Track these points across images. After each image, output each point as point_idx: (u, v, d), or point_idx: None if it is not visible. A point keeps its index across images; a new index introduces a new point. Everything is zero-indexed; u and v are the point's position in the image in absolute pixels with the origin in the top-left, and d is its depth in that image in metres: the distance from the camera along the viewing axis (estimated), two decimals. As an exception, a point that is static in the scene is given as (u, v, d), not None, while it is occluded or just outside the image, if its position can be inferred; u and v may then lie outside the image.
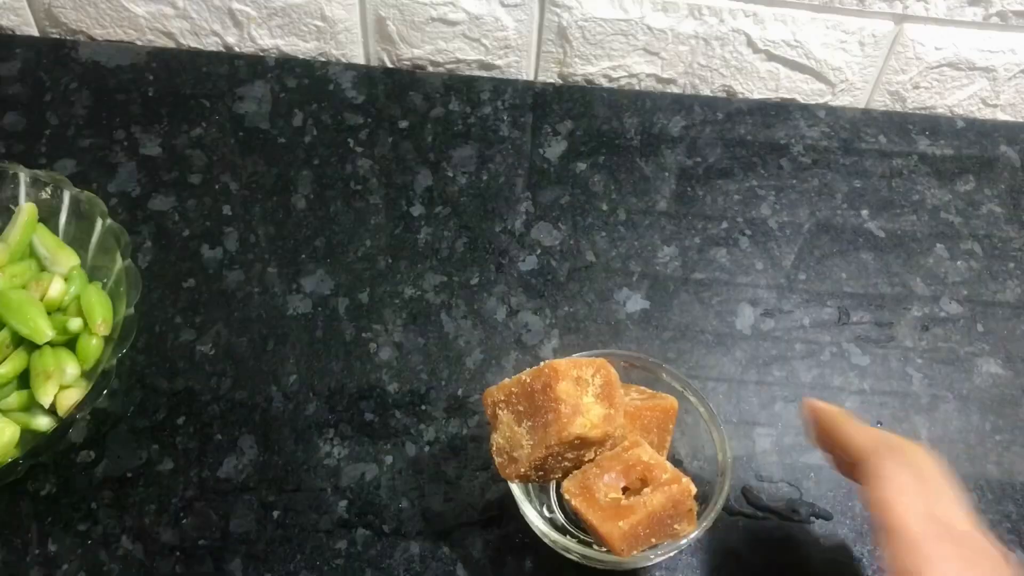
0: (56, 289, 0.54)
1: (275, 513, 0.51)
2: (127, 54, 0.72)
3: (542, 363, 0.45)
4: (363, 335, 0.58)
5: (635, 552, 0.45)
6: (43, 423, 0.51)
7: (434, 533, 0.51)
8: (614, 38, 0.70)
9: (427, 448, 0.54)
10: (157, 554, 0.49)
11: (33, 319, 0.52)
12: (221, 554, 0.50)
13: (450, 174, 0.67)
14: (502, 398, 0.46)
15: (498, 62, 0.73)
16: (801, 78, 0.72)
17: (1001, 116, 0.75)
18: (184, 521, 0.50)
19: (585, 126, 0.70)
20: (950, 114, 0.74)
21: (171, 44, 0.73)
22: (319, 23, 0.71)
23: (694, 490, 0.45)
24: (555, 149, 0.69)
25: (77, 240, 0.57)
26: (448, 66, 0.73)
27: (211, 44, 0.73)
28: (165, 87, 0.70)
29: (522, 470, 0.45)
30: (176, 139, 0.67)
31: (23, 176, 0.57)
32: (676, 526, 0.45)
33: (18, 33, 0.73)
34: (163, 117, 0.68)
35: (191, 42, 0.73)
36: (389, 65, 0.74)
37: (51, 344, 0.52)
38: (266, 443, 0.53)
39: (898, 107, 0.74)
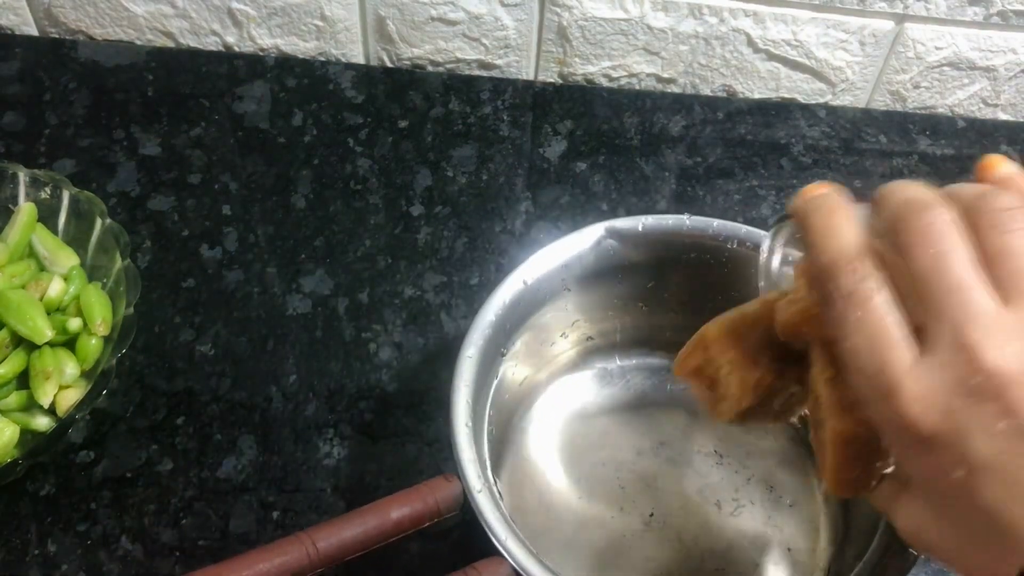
0: (55, 289, 0.54)
1: (275, 513, 0.51)
2: (126, 54, 0.72)
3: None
4: (363, 335, 0.58)
5: None
6: (42, 423, 0.51)
7: (434, 534, 0.51)
8: (614, 38, 0.70)
9: (427, 448, 0.54)
10: (156, 555, 0.49)
11: (32, 319, 0.52)
12: (221, 555, 0.49)
13: (450, 174, 0.67)
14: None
15: (498, 62, 0.73)
16: (801, 78, 0.72)
17: (1002, 116, 0.74)
18: (183, 521, 0.50)
19: (585, 126, 0.70)
20: (951, 114, 0.74)
21: (170, 44, 0.73)
22: (319, 23, 0.71)
23: None
24: (555, 149, 0.69)
25: (76, 240, 0.57)
26: (448, 66, 0.73)
27: (210, 44, 0.73)
28: (164, 87, 0.70)
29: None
30: (175, 139, 0.67)
31: (22, 176, 0.57)
32: None
33: (17, 33, 0.73)
34: (162, 117, 0.68)
35: (190, 41, 0.73)
36: (389, 65, 0.73)
37: (50, 344, 0.52)
38: (266, 443, 0.53)
39: (899, 107, 0.74)
